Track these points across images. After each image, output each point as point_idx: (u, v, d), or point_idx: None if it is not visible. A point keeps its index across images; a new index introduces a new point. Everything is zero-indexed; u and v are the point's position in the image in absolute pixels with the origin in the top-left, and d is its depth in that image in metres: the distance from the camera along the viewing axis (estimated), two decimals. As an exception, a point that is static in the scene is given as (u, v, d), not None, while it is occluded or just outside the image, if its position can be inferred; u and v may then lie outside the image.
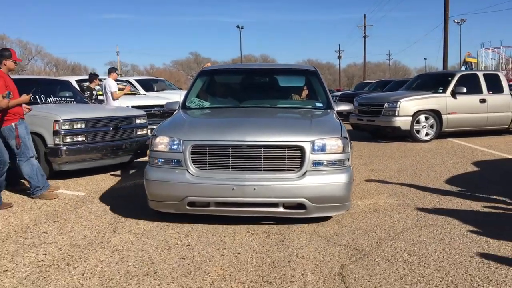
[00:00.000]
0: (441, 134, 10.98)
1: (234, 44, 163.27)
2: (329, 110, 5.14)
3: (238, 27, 58.53)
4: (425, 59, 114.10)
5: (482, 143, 10.27)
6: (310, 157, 3.92)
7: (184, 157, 3.98)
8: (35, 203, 5.26)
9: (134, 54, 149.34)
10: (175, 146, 4.04)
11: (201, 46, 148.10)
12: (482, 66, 54.72)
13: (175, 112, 5.32)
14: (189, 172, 3.96)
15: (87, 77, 11.43)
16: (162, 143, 4.12)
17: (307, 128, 4.23)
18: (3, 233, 4.17)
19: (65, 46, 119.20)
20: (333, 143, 4.02)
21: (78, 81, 11.19)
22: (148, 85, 14.57)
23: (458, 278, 3.04)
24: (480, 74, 11.54)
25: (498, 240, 3.77)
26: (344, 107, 5.43)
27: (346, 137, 4.12)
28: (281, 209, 3.93)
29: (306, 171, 3.91)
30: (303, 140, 3.95)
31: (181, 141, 4.03)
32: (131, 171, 7.23)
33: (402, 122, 10.55)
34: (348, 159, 4.10)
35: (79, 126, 6.58)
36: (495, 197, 5.29)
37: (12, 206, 5.12)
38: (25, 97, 5.46)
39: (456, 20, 54.32)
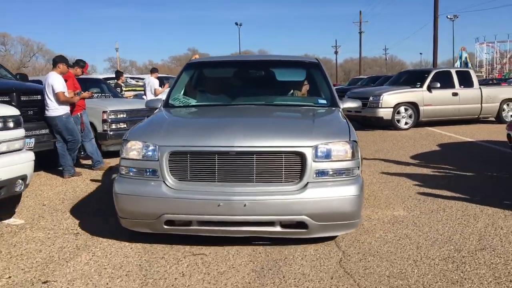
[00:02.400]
0: (419, 123, 12.73)
1: (232, 39, 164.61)
2: (334, 108, 4.57)
3: (236, 24, 60.19)
4: (420, 53, 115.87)
5: (453, 130, 12.03)
6: (312, 165, 3.35)
7: (161, 166, 3.40)
8: (98, 173, 7.01)
9: (132, 50, 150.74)
10: (150, 153, 3.46)
11: (199, 42, 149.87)
12: (477, 61, 56.17)
13: (155, 111, 4.66)
14: (166, 185, 3.40)
15: (111, 75, 13.16)
16: (134, 149, 3.53)
17: (309, 130, 3.63)
18: (88, 189, 5.93)
19: (65, 43, 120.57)
20: (340, 148, 3.45)
21: (104, 79, 12.91)
22: (161, 82, 16.29)
23: (396, 205, 4.84)
24: (453, 71, 13.33)
25: (431, 189, 5.56)
26: (351, 104, 4.79)
27: (355, 141, 3.56)
28: (277, 228, 3.36)
29: (308, 182, 3.35)
30: (304, 145, 3.39)
31: (157, 146, 3.44)
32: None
33: (384, 113, 12.32)
34: (358, 167, 3.54)
35: (121, 116, 8.33)
36: (443, 166, 7.05)
37: (81, 175, 6.87)
38: (87, 94, 7.21)
39: (448, 16, 56.06)
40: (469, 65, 35.23)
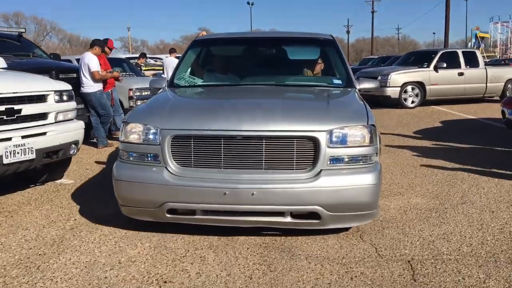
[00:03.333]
0: (425, 102, 13.29)
1: (244, 19, 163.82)
2: (349, 89, 4.26)
3: (248, 3, 60.17)
4: (433, 33, 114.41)
5: (458, 108, 12.57)
6: (326, 151, 3.14)
7: (162, 151, 3.24)
8: (127, 144, 7.76)
9: (143, 30, 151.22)
10: (151, 137, 3.29)
11: (210, 21, 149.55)
12: (491, 41, 55.91)
13: (159, 92, 4.46)
14: (168, 171, 3.23)
15: (133, 55, 13.86)
16: (134, 132, 3.36)
17: (323, 113, 3.44)
18: (121, 157, 6.67)
19: (77, 22, 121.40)
20: (357, 133, 3.22)
21: (126, 59, 13.64)
22: (177, 62, 17.05)
23: (394, 171, 5.54)
24: (460, 52, 13.79)
25: (428, 158, 6.23)
26: (367, 84, 4.47)
27: (373, 125, 3.31)
28: (288, 219, 3.21)
29: (321, 170, 3.15)
30: (318, 129, 3.17)
31: (159, 129, 3.26)
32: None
33: (392, 91, 12.90)
34: (377, 153, 3.32)
35: (146, 93, 9.05)
36: (443, 140, 7.69)
37: (113, 145, 7.64)
38: (117, 73, 7.94)
39: (463, -5, 55.53)
40: (481, 45, 35.25)
